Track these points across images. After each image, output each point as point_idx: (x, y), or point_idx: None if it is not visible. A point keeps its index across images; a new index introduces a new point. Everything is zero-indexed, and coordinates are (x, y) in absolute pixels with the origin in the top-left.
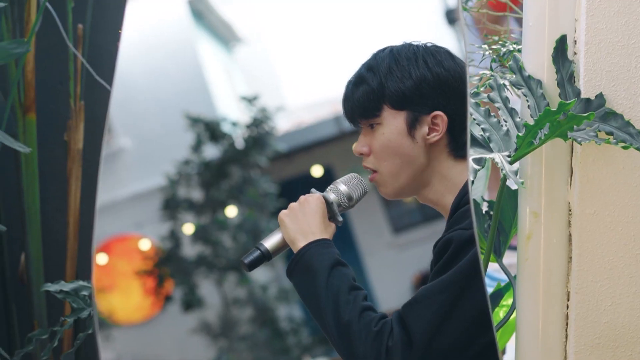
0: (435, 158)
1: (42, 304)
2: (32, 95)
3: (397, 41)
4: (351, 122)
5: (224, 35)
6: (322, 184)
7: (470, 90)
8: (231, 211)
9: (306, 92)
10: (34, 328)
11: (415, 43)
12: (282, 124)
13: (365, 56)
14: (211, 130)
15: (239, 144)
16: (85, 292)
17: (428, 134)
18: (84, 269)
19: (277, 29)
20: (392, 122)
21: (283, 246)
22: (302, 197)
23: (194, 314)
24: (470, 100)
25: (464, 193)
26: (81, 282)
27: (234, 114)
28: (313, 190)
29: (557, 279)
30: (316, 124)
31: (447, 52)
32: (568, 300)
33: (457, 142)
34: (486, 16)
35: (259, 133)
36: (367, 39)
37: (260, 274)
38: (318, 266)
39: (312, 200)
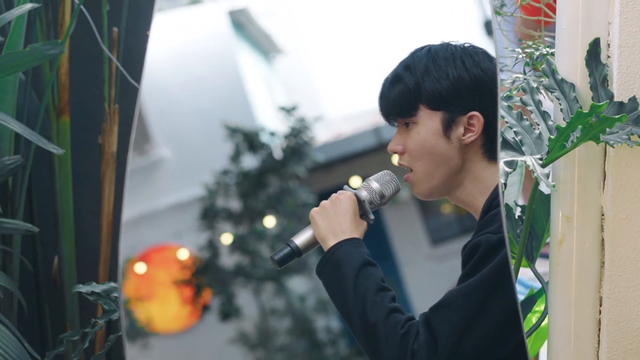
0: (469, 159)
1: (75, 306)
2: (65, 97)
3: None
4: (386, 119)
5: (264, 47)
6: None
7: (502, 93)
8: (269, 221)
9: (345, 104)
10: (66, 329)
11: (453, 43)
12: (321, 135)
13: None
14: (249, 140)
15: (278, 154)
16: (115, 294)
17: (463, 135)
18: (117, 272)
19: (317, 40)
20: (428, 121)
21: (313, 243)
22: (334, 195)
23: (232, 323)
24: (503, 103)
25: (495, 195)
26: (112, 284)
27: (272, 125)
28: (346, 187)
29: (589, 284)
30: (355, 135)
31: (485, 53)
32: (600, 305)
33: (492, 143)
34: (520, 21)
35: (297, 143)
36: (406, 50)
37: (298, 284)
38: (347, 266)
39: (343, 199)
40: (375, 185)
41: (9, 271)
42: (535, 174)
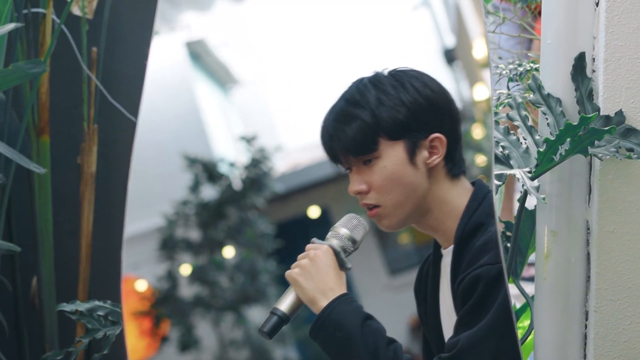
0: (435, 181)
1: (54, 327)
2: (46, 117)
3: None
4: (337, 161)
5: (221, 77)
6: (319, 225)
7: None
8: (229, 252)
9: (302, 134)
10: (45, 351)
11: (388, 70)
12: (279, 165)
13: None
14: (209, 171)
15: (237, 184)
16: (100, 312)
17: (429, 158)
18: (98, 292)
19: (273, 70)
20: (392, 153)
21: (299, 306)
22: (310, 253)
23: (190, 355)
24: (492, 119)
25: (467, 219)
26: (97, 302)
27: (230, 155)
28: (315, 240)
29: (575, 298)
30: (312, 165)
31: (427, 74)
32: (586, 319)
33: (452, 161)
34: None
35: (256, 174)
36: None
37: (257, 315)
38: (349, 325)
39: (321, 255)
40: (344, 231)
41: None
42: (525, 187)
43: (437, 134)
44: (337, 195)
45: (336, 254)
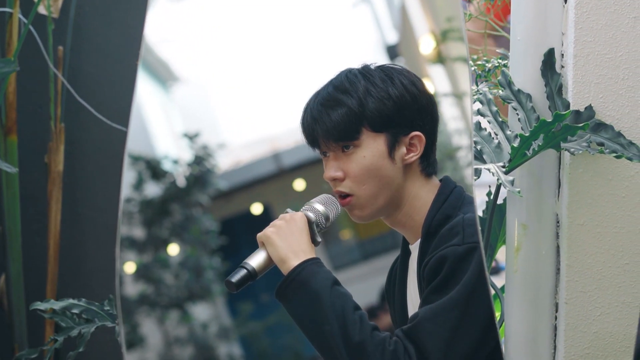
0: (409, 178)
1: (23, 327)
2: (13, 116)
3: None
4: (315, 145)
5: (161, 75)
6: (262, 221)
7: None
8: (173, 249)
9: (243, 131)
10: (14, 351)
11: (377, 64)
12: (222, 162)
13: (304, 94)
14: (152, 168)
15: (181, 182)
16: (75, 310)
17: (406, 154)
18: (65, 290)
19: (213, 67)
20: (372, 144)
21: (269, 265)
22: (287, 215)
23: (135, 353)
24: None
25: (435, 212)
26: (71, 301)
27: (173, 153)
28: (289, 210)
29: (546, 291)
30: (254, 162)
31: (414, 74)
32: (556, 311)
33: (427, 160)
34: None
35: (200, 171)
36: (305, 78)
37: (201, 312)
38: (318, 286)
39: (297, 219)
40: (320, 207)
41: None
42: (500, 181)
43: (418, 132)
44: (279, 191)
45: (309, 224)
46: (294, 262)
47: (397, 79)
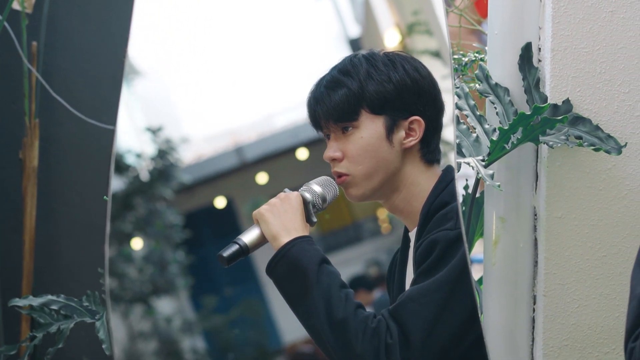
0: (408, 162)
1: None
2: None
3: (300, 70)
4: (318, 127)
5: None
6: (225, 215)
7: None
8: (137, 243)
9: (205, 124)
10: None
11: (382, 50)
12: (185, 156)
13: (265, 87)
14: (115, 162)
15: (144, 176)
16: (54, 307)
17: (405, 139)
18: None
19: (175, 61)
20: (371, 126)
21: (261, 242)
22: (281, 194)
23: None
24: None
25: (433, 198)
26: (50, 297)
27: (135, 147)
28: (286, 189)
29: (523, 283)
30: (216, 155)
31: (420, 62)
32: (534, 303)
33: (428, 147)
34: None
35: (163, 165)
36: (266, 71)
37: (165, 306)
38: (306, 262)
39: (292, 198)
40: (317, 188)
41: None
42: (480, 175)
43: (417, 117)
44: (242, 185)
45: (305, 204)
46: (285, 239)
47: (400, 63)
